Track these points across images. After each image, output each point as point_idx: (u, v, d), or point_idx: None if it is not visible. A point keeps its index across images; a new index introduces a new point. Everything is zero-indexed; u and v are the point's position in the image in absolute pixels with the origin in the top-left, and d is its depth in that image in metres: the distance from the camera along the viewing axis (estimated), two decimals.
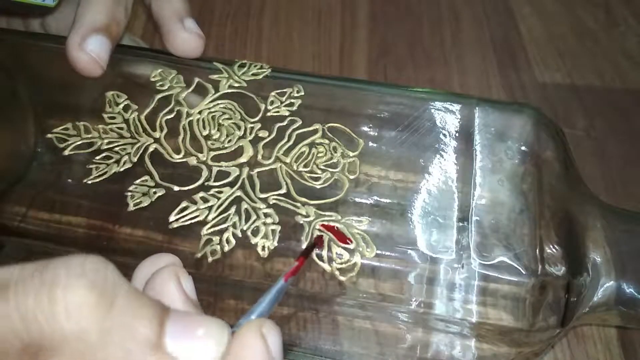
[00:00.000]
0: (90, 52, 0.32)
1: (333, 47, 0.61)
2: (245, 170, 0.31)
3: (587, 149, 0.53)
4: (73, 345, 0.19)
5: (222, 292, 0.33)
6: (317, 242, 0.29)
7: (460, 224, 0.31)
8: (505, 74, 0.59)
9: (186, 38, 0.35)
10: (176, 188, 0.31)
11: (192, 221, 0.30)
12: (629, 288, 0.33)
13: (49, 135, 0.32)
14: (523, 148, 0.33)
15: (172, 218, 0.30)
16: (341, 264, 0.29)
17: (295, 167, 0.32)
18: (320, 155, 0.32)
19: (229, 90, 0.34)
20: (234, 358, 0.20)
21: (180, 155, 0.32)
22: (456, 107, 0.34)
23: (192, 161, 0.32)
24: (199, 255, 0.29)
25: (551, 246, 0.31)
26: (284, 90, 0.34)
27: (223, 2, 0.64)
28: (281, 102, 0.34)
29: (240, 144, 0.32)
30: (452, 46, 0.62)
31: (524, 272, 0.30)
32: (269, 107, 0.33)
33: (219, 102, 0.33)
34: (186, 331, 0.20)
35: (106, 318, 0.19)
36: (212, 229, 0.30)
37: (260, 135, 0.32)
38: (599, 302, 0.33)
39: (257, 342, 0.20)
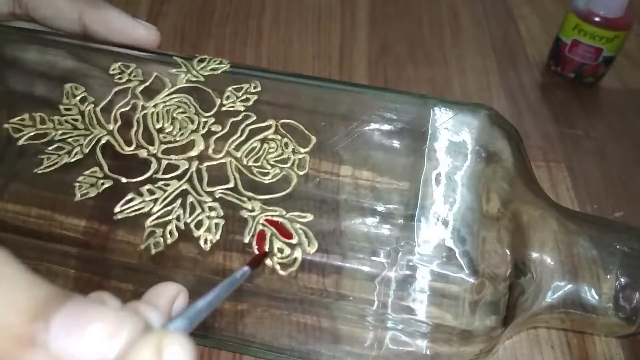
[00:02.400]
0: None
1: (333, 48, 0.61)
2: (195, 163, 0.32)
3: (587, 149, 0.53)
4: None
5: None
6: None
7: (406, 221, 0.31)
8: (505, 74, 0.59)
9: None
10: (124, 180, 0.31)
11: (137, 213, 0.30)
12: (582, 291, 0.32)
13: (6, 125, 0.33)
14: (477, 147, 0.32)
15: (117, 209, 0.30)
16: (282, 258, 0.29)
17: (245, 162, 0.32)
18: (271, 150, 0.32)
19: (186, 85, 0.34)
20: None
21: (132, 148, 0.32)
22: (411, 106, 0.34)
23: (143, 154, 0.32)
24: (142, 246, 0.30)
25: (496, 246, 0.31)
26: (241, 85, 0.34)
27: (223, 2, 0.65)
28: (237, 98, 0.34)
29: (192, 138, 0.32)
30: (452, 46, 0.61)
31: (465, 271, 0.29)
32: (225, 102, 0.34)
33: (175, 96, 0.34)
34: (76, 327, 0.18)
35: None
36: (156, 221, 0.30)
37: (213, 129, 0.33)
38: (551, 303, 0.32)
39: (148, 357, 0.18)
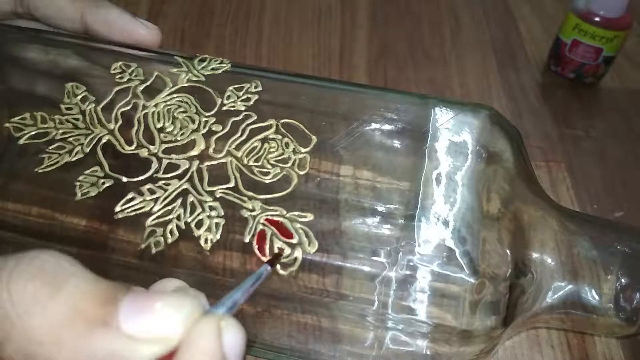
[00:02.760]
0: None
1: (333, 47, 0.61)
2: (195, 163, 0.32)
3: (587, 149, 0.53)
4: (19, 329, 0.20)
5: None
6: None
7: (406, 221, 0.31)
8: (505, 74, 0.59)
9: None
10: (124, 179, 0.31)
11: (138, 212, 0.30)
12: (583, 292, 0.32)
13: (6, 125, 0.33)
14: (478, 147, 0.32)
15: (117, 208, 0.30)
16: (282, 258, 0.29)
17: (245, 162, 0.32)
18: (272, 150, 0.32)
19: (187, 84, 0.34)
20: (186, 346, 0.20)
21: (132, 147, 0.32)
22: (412, 106, 0.34)
23: (143, 153, 0.32)
24: (143, 246, 0.30)
25: (496, 246, 0.31)
26: (242, 85, 0.34)
27: (223, 2, 0.65)
28: (238, 97, 0.34)
29: (193, 137, 0.32)
30: (452, 46, 0.61)
31: (465, 272, 0.29)
32: (225, 102, 0.34)
33: (176, 95, 0.34)
34: (142, 308, 0.20)
35: (52, 301, 0.20)
36: (156, 221, 0.30)
37: (213, 129, 0.33)
38: (552, 304, 0.32)
39: (211, 335, 0.20)
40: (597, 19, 0.52)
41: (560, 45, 0.56)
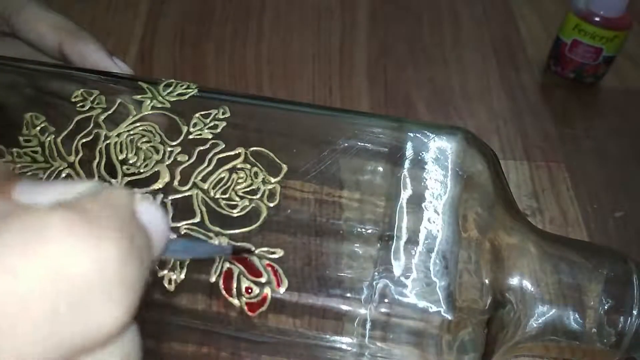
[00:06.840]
0: None
1: (333, 47, 0.61)
2: (159, 197, 0.30)
3: (587, 149, 0.52)
4: None
5: None
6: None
7: (382, 253, 0.29)
8: (505, 74, 0.59)
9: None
10: None
11: None
12: (565, 318, 0.31)
13: None
14: (454, 172, 0.31)
15: None
16: (250, 298, 0.28)
17: (212, 194, 0.30)
18: (240, 181, 0.31)
19: (151, 112, 0.33)
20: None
21: None
22: (386, 130, 0.33)
23: None
24: None
25: (474, 279, 0.29)
26: (209, 111, 0.33)
27: (223, 2, 0.64)
28: (204, 124, 0.32)
29: (157, 169, 0.31)
30: (452, 46, 0.61)
31: (443, 307, 0.28)
32: (192, 130, 0.32)
33: (139, 124, 0.32)
34: (40, 185, 0.17)
35: None
36: None
37: (179, 159, 0.31)
38: (534, 332, 0.31)
39: (124, 195, 0.17)
40: (597, 19, 0.52)
41: (560, 45, 0.55)
